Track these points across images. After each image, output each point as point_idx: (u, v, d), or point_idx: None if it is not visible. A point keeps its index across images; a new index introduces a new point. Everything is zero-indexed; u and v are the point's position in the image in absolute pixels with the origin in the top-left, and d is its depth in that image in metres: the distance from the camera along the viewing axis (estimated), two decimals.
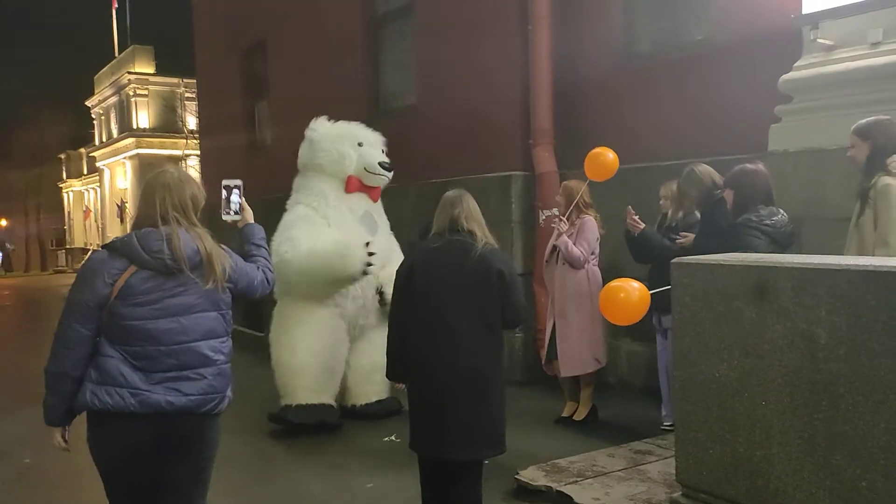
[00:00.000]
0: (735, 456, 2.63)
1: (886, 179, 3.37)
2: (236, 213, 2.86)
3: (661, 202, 5.09)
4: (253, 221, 2.92)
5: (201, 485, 2.63)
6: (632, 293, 3.21)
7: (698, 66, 5.79)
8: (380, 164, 5.94)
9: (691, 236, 4.50)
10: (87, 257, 2.56)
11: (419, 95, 8.21)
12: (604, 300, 3.40)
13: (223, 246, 2.63)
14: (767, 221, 3.70)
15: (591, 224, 5.31)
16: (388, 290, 4.07)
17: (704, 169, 4.47)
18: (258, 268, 2.75)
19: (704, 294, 2.71)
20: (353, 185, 5.92)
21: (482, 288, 3.07)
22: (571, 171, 5.58)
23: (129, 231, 2.54)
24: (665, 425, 4.99)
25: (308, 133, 6.12)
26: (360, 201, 5.93)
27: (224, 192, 2.85)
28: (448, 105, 7.67)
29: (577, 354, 5.25)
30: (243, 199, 2.89)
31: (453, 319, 3.04)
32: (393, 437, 5.16)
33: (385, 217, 6.17)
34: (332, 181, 5.95)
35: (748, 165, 3.95)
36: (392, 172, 6.01)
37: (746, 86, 5.40)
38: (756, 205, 3.78)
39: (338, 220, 5.75)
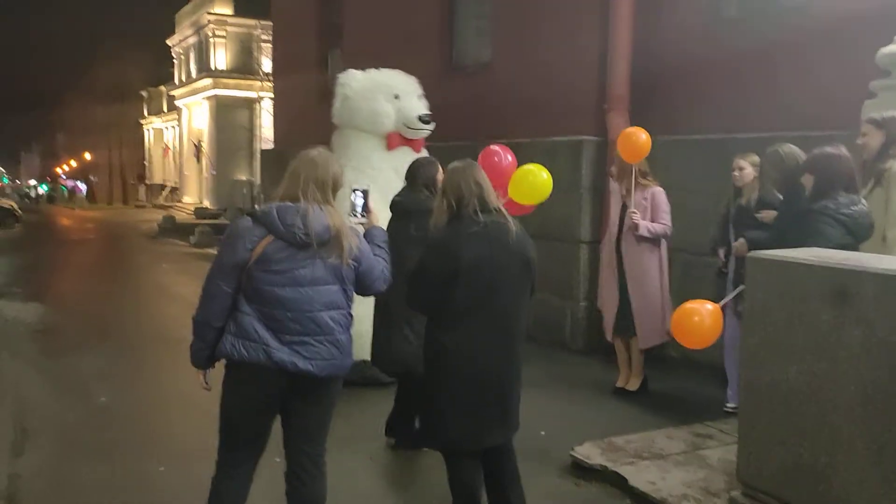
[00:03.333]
0: (798, 460, 2.56)
1: None
2: (363, 215, 3.07)
3: (735, 173, 4.84)
4: (378, 223, 3.15)
5: (321, 428, 2.92)
6: (706, 317, 3.16)
7: (790, 36, 5.46)
8: (419, 118, 5.64)
9: (772, 213, 4.31)
10: (233, 222, 2.83)
11: (493, 53, 8.05)
12: (677, 323, 3.33)
13: (353, 227, 2.88)
14: (845, 210, 3.50)
15: (662, 194, 5.24)
16: None
17: (789, 150, 4.24)
18: (380, 262, 2.98)
19: (779, 292, 2.60)
20: (395, 141, 5.66)
21: (522, 270, 3.02)
22: None
23: (277, 199, 2.77)
24: (728, 407, 4.89)
25: (339, 89, 5.85)
26: (405, 157, 5.59)
27: (352, 196, 3.05)
28: (522, 64, 7.49)
29: (657, 326, 5.25)
30: (370, 202, 3.08)
31: (508, 305, 2.98)
32: None
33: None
34: (372, 139, 5.74)
35: (829, 149, 3.70)
36: (433, 123, 5.73)
37: (841, 58, 5.09)
38: (837, 191, 3.57)
39: (382, 183, 5.45)
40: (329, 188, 2.78)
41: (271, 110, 25.14)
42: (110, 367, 6.33)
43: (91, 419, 4.99)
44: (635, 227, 5.10)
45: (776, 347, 2.61)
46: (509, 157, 4.73)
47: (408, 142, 5.70)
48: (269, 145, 20.77)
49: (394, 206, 4.38)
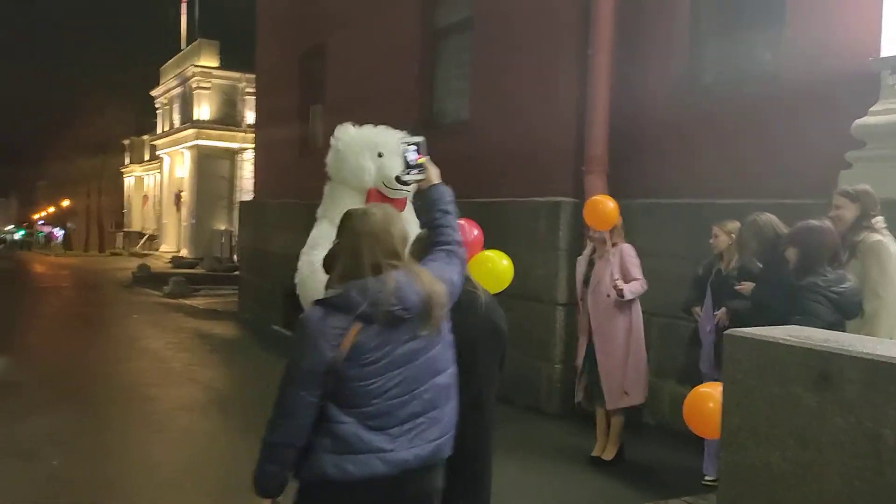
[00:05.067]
0: None
1: (876, 236, 3.84)
2: (419, 172, 2.63)
3: (711, 241, 4.82)
4: (439, 181, 2.65)
5: None
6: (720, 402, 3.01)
7: (766, 104, 5.50)
8: (396, 178, 5.63)
9: (750, 285, 4.25)
10: (300, 316, 2.26)
11: (472, 112, 8.07)
12: (690, 410, 3.18)
13: (426, 266, 2.40)
14: (835, 288, 3.42)
15: (630, 249, 5.21)
16: None
17: (767, 219, 4.20)
18: (449, 255, 2.51)
19: (759, 373, 2.48)
20: (373, 198, 5.63)
21: (492, 341, 2.87)
22: (622, 202, 5.36)
23: (338, 282, 2.28)
24: (707, 480, 4.75)
25: (332, 142, 5.95)
26: None
27: (404, 150, 2.64)
28: (501, 124, 7.50)
29: (617, 386, 5.15)
30: (427, 157, 2.63)
31: (477, 377, 2.81)
32: None
33: (414, 221, 5.91)
34: (354, 195, 5.70)
35: (813, 222, 3.66)
36: (413, 185, 5.68)
37: (817, 127, 5.11)
38: (822, 266, 3.51)
39: None
40: (401, 251, 2.32)
41: (252, 162, 25.19)
42: (68, 429, 6.03)
43: (43, 485, 4.71)
44: (620, 293, 5.02)
45: (757, 431, 2.48)
46: (475, 232, 4.70)
47: (388, 200, 5.62)
48: (249, 196, 20.68)
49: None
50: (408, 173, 2.65)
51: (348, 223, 2.35)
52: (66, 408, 6.72)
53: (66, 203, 55.30)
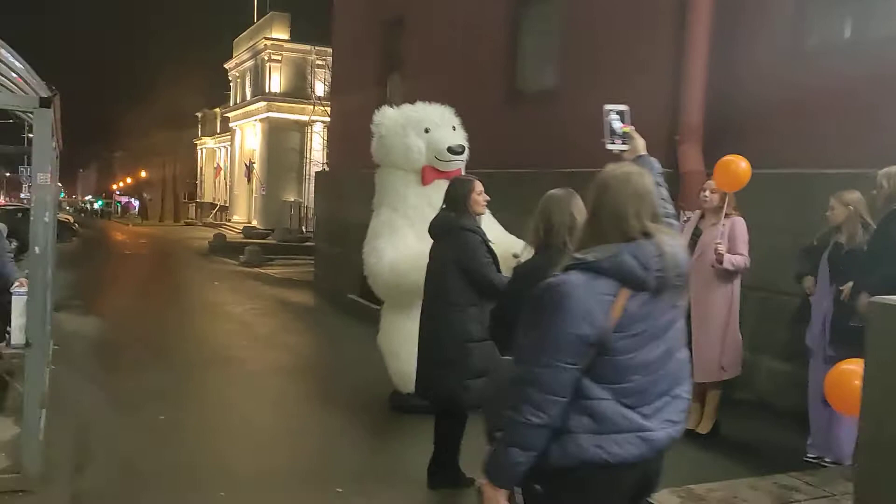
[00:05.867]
0: None
1: None
2: (624, 141, 2.51)
3: (828, 213, 4.62)
4: (645, 152, 2.52)
5: None
6: None
7: (877, 70, 5.22)
8: (448, 149, 5.51)
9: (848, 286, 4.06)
10: (554, 282, 2.01)
11: (559, 80, 7.94)
12: (833, 387, 3.09)
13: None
14: None
15: (742, 224, 5.03)
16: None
17: None
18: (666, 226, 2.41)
19: None
20: (429, 175, 5.50)
21: None
22: None
23: (590, 245, 2.05)
24: (809, 457, 4.64)
25: (374, 128, 5.86)
26: (441, 191, 5.62)
27: (607, 118, 2.51)
28: (589, 91, 7.31)
29: (713, 360, 5.02)
30: (632, 126, 2.52)
31: None
32: None
33: None
34: (408, 176, 5.64)
35: None
36: (464, 154, 5.56)
37: None
38: None
39: (419, 221, 5.15)
40: (661, 213, 2.15)
41: (322, 134, 25.41)
42: (166, 385, 6.27)
43: (151, 439, 4.94)
44: (720, 258, 4.89)
45: None
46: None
47: (443, 174, 5.53)
48: (318, 168, 20.96)
49: (429, 230, 4.43)
50: (612, 142, 2.50)
51: (609, 182, 2.11)
52: (162, 366, 6.99)
53: (142, 174, 57.15)
